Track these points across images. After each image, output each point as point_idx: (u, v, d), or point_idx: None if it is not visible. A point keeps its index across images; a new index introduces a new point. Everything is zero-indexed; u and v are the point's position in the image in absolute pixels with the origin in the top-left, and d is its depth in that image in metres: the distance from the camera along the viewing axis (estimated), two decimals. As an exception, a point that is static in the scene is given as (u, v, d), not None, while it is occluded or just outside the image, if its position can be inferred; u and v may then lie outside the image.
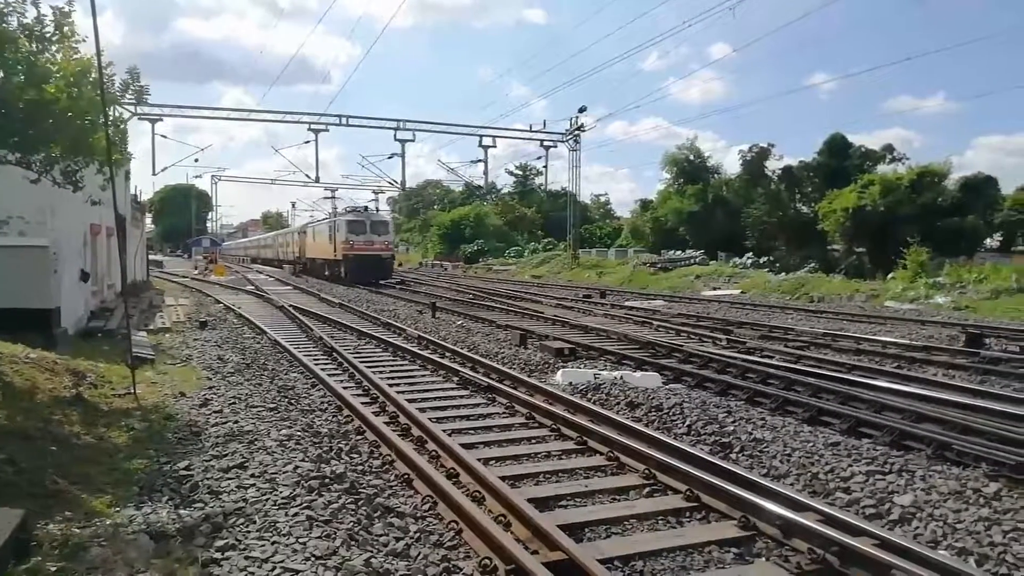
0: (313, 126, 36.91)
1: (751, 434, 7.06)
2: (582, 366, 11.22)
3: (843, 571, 4.26)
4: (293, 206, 79.66)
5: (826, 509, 4.86)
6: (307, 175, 41.62)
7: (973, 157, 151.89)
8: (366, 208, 39.32)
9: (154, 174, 41.86)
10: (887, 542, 4.31)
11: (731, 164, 58.18)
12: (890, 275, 29.12)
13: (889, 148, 45.86)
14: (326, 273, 37.40)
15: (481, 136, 40.28)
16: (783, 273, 33.54)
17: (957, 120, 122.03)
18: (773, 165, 47.24)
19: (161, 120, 36.40)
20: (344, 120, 37.07)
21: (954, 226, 35.48)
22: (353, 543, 4.47)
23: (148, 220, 49.26)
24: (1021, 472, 6.09)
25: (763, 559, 4.60)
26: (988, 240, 40.32)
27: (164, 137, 57.50)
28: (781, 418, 8.01)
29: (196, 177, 66.62)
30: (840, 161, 44.48)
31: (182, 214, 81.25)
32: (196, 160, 49.54)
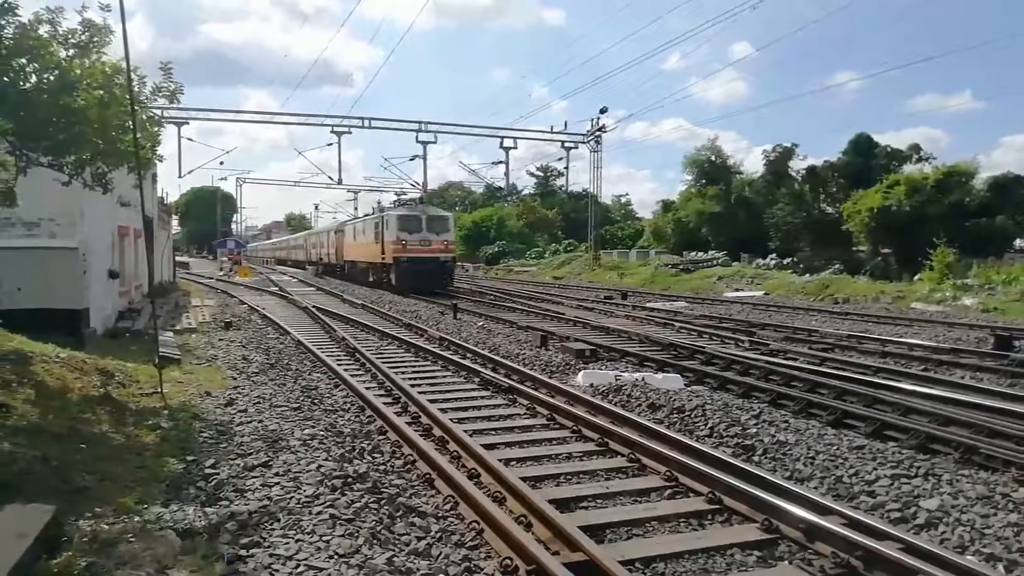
0: (336, 128, 37.19)
1: (774, 436, 7.01)
2: (603, 367, 11.20)
3: (867, 575, 4.22)
4: (316, 208, 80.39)
5: (850, 513, 4.82)
6: (330, 177, 41.73)
7: (1001, 156, 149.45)
8: (421, 200, 32.69)
9: (180, 177, 42.47)
10: (913, 547, 4.26)
11: (753, 164, 57.80)
12: (917, 276, 28.69)
13: (916, 148, 45.21)
14: (370, 279, 31.94)
15: (502, 138, 40.34)
16: (807, 274, 33.18)
17: (984, 118, 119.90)
18: (797, 165, 46.79)
19: (187, 123, 36.93)
20: (367, 122, 37.33)
21: (982, 226, 34.86)
22: (375, 542, 4.52)
23: (174, 222, 50.00)
24: (1051, 477, 5.99)
25: (786, 562, 4.57)
26: (1018, 240, 39.54)
27: (190, 140, 58.56)
28: (805, 421, 7.94)
29: (221, 179, 67.46)
30: (866, 161, 43.93)
31: (208, 216, 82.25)
32: (221, 163, 50.02)
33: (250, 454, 6.08)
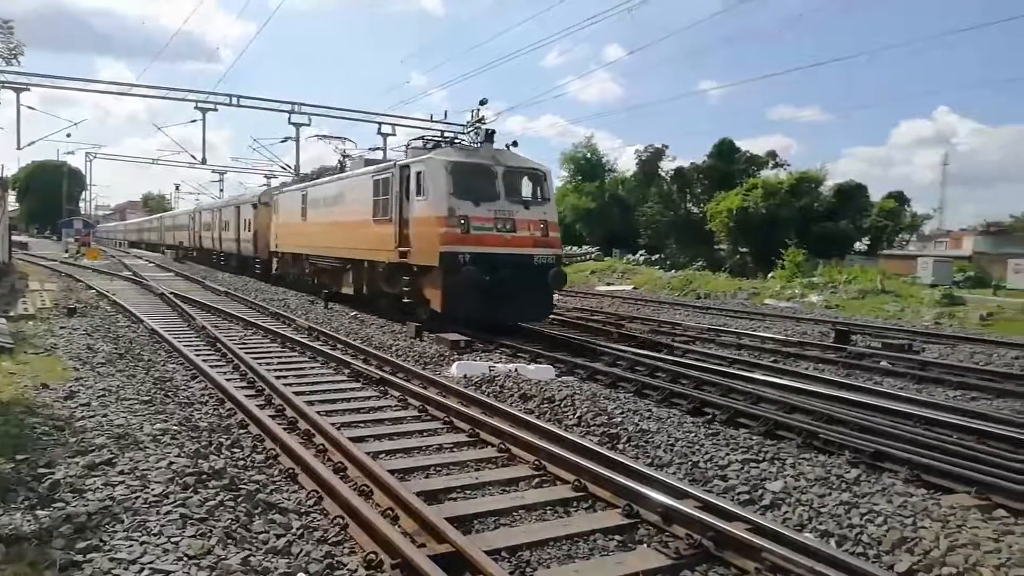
0: (200, 104, 34.93)
1: (638, 425, 7.27)
2: (478, 358, 11.23)
3: (719, 555, 4.45)
4: (177, 188, 75.16)
5: (704, 496, 5.07)
6: (193, 156, 39.00)
7: (845, 165, 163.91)
8: (487, 138, 15.38)
9: (19, 148, 38.46)
10: (759, 526, 4.54)
11: (626, 163, 60.09)
12: (770, 274, 30.87)
13: (772, 154, 48.56)
14: (358, 289, 17.64)
15: (380, 123, 39.51)
16: (673, 270, 34.89)
17: (830, 130, 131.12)
18: (667, 166, 49.07)
19: (28, 89, 33.45)
20: (235, 100, 35.40)
21: (828, 230, 38.02)
22: (230, 541, 4.27)
23: (11, 198, 45.31)
24: (878, 459, 6.59)
25: (644, 545, 4.74)
26: (857, 243, 43.40)
27: (32, 108, 53.07)
28: (667, 409, 8.30)
29: (68, 154, 61.39)
30: (728, 164, 46.68)
31: (52, 193, 75.20)
32: (68, 135, 45.50)
33: (92, 451, 5.58)
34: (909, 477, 6.16)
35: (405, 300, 14.89)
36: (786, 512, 5.25)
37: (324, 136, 25.35)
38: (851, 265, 31.29)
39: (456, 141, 15.99)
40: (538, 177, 14.90)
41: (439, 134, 17.52)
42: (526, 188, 14.60)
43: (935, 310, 21.14)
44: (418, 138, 16.59)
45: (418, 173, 14.22)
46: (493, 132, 15.06)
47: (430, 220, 13.69)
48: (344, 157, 22.00)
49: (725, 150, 47.54)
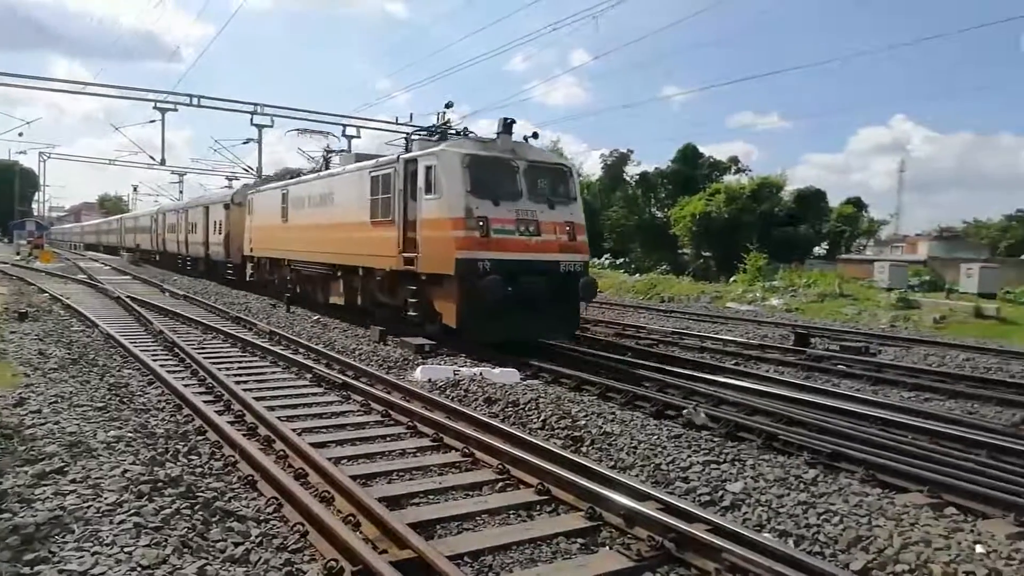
0: (160, 104, 34.28)
1: (601, 428, 7.30)
2: (442, 363, 11.17)
3: (680, 556, 4.49)
4: (135, 189, 73.59)
5: (666, 498, 5.11)
6: (151, 157, 38.14)
7: (803, 171, 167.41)
8: (505, 129, 12.96)
9: (-32, 147, 37.35)
10: (719, 527, 4.59)
11: (592, 167, 60.55)
12: (732, 278, 31.34)
13: (735, 160, 49.41)
14: (352, 298, 16.30)
15: (344, 126, 39.20)
16: (638, 274, 35.22)
17: (790, 137, 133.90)
18: (632, 170, 49.57)
19: (-22, 87, 32.52)
20: (195, 100, 34.80)
21: (788, 234, 38.77)
22: (186, 550, 4.18)
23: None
24: (835, 459, 6.73)
25: (607, 548, 4.76)
26: (817, 248, 44.32)
27: (-17, 107, 51.40)
28: (630, 412, 8.35)
29: (20, 153, 59.56)
30: (692, 169, 47.34)
31: (2, 194, 72.93)
32: (20, 134, 44.26)
33: (42, 460, 5.41)
34: (865, 477, 6.31)
35: (409, 313, 13.05)
36: (746, 513, 5.31)
37: (306, 130, 24.24)
38: (811, 269, 31.96)
39: (469, 132, 14.37)
40: (563, 173, 13.44)
41: (444, 124, 15.71)
42: (550, 186, 12.99)
43: (891, 313, 21.68)
44: (422, 128, 14.67)
45: (428, 168, 12.45)
46: (513, 121, 12.97)
47: (443, 222, 12.01)
48: (328, 153, 20.56)
49: (689, 155, 48.19)
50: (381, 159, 14.79)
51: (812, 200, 42.04)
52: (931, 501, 5.71)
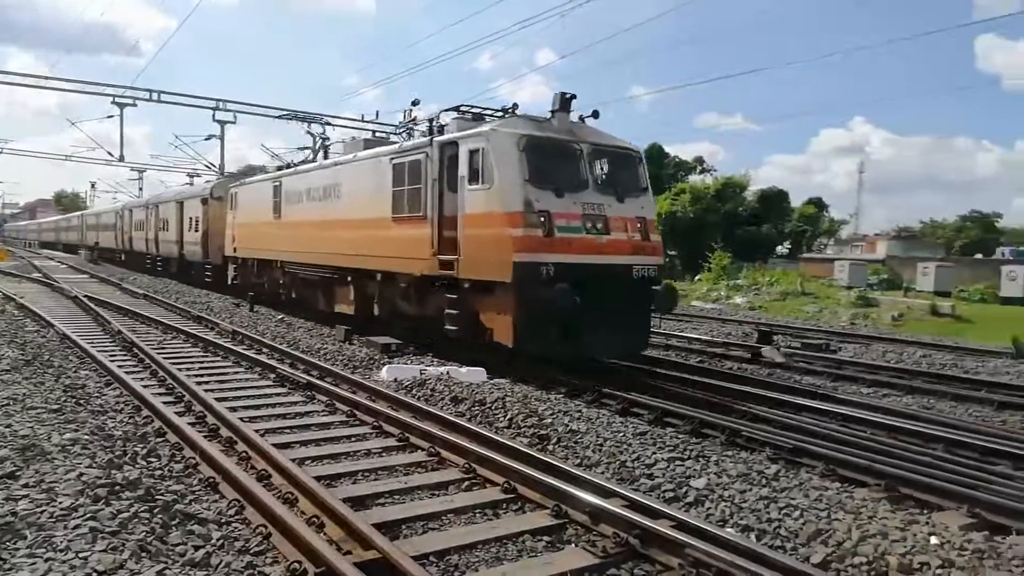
0: (118, 99, 33.50)
1: (567, 426, 7.32)
2: (409, 362, 11.11)
3: (644, 552, 4.52)
4: (93, 186, 71.76)
5: (631, 495, 5.14)
6: (110, 153, 37.17)
7: (767, 172, 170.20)
8: (562, 106, 11.06)
9: (-84, 141, 36.08)
10: (683, 523, 4.64)
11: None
12: (697, 277, 31.73)
13: (700, 160, 50.14)
14: (369, 309, 14.00)
15: (310, 122, 38.75)
16: (604, 273, 35.40)
17: (754, 138, 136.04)
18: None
19: (-74, 80, 31.43)
20: (155, 95, 34.10)
21: (752, 234, 39.40)
22: (144, 555, 4.08)
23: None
24: (797, 455, 6.85)
25: (573, 545, 4.78)
26: (779, 247, 45.10)
27: (-68, 100, 49.70)
28: (596, 410, 8.40)
29: (-27, 148, 57.94)
30: (657, 169, 47.72)
31: (-46, 190, 70.79)
32: (-27, 129, 42.82)
33: (-8, 464, 5.26)
34: (825, 472, 6.43)
35: (446, 327, 11.06)
36: (709, 508, 5.38)
37: (295, 115, 22.96)
38: (773, 268, 32.53)
39: (515, 109, 11.77)
40: (631, 159, 11.50)
41: (411, 121, 14.33)
42: (618, 174, 11.10)
43: (851, 311, 22.15)
44: (451, 108, 12.28)
45: (473, 152, 10.47)
46: (572, 96, 11.06)
47: (496, 217, 10.01)
48: (321, 139, 19.18)
49: (655, 155, 48.60)
50: (407, 143, 12.96)
51: (775, 200, 42.79)
52: (889, 494, 5.84)
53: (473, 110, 12.13)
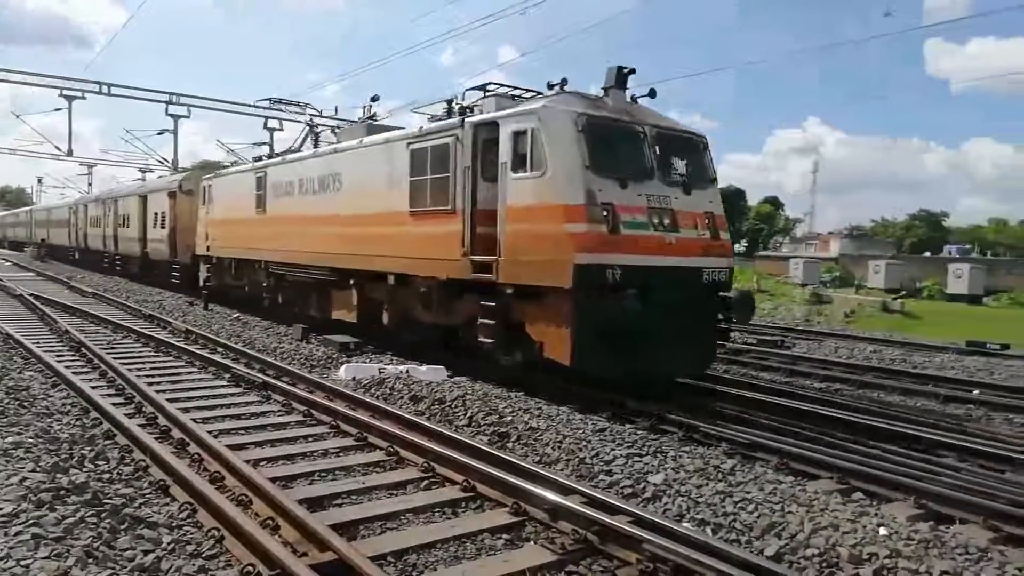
0: (66, 92, 32.46)
1: (527, 423, 7.32)
2: (368, 360, 11.00)
3: (602, 548, 4.54)
4: (40, 181, 69.49)
5: (589, 491, 5.16)
6: (57, 147, 36.01)
7: (724, 171, 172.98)
8: (618, 82, 9.55)
9: None
10: (640, 519, 4.67)
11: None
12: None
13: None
14: (391, 321, 12.02)
15: (267, 117, 38.12)
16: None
17: (711, 137, 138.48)
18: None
19: None
20: (105, 88, 33.12)
21: (709, 232, 39.94)
22: (91, 561, 3.97)
23: None
24: (753, 449, 6.97)
25: (532, 543, 4.78)
26: (737, 245, 45.89)
27: None
28: (556, 407, 8.41)
29: (-89, 141, 55.59)
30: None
31: None
32: (-89, 121, 40.95)
33: (-72, 470, 5.05)
34: (779, 466, 6.55)
35: (482, 339, 9.47)
36: (667, 503, 5.43)
37: (279, 101, 21.39)
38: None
39: (564, 85, 9.75)
40: (697, 146, 9.92)
41: (370, 118, 13.24)
42: (684, 162, 9.61)
43: (805, 307, 22.64)
44: (483, 85, 10.73)
45: (519, 134, 8.95)
46: (631, 71, 9.65)
47: (548, 210, 8.56)
48: (312, 126, 17.58)
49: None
50: (429, 126, 10.96)
51: (732, 199, 43.57)
52: (840, 487, 5.99)
53: (501, 89, 10.69)
